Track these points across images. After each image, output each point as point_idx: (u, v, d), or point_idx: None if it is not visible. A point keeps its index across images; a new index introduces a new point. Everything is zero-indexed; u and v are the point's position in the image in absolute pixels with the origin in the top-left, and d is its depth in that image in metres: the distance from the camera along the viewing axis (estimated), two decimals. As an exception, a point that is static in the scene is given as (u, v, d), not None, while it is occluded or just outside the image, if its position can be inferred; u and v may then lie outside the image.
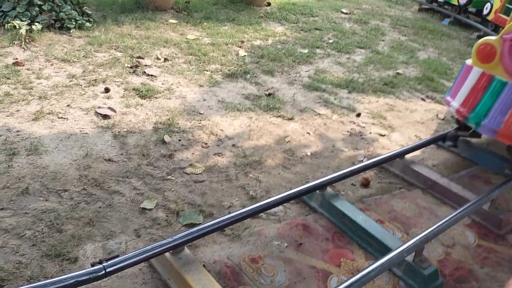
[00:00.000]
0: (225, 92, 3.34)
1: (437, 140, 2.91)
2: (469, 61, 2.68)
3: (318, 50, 4.58)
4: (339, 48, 4.72)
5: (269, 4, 6.04)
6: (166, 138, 2.59)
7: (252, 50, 4.29)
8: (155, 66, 3.56)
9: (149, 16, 4.65)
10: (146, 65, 3.51)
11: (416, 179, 2.59)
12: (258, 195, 2.27)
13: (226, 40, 4.41)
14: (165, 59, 3.71)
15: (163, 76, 3.41)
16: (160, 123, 2.74)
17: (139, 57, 3.62)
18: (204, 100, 3.16)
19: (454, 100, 2.71)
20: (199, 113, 2.96)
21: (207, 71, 3.65)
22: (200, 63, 3.77)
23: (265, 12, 5.63)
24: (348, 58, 4.53)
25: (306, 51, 4.49)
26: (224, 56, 4.02)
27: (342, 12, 6.32)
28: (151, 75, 3.37)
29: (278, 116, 3.13)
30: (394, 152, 2.59)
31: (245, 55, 4.13)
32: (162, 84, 3.28)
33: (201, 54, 3.94)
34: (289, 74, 3.90)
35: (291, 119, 3.13)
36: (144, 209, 2.02)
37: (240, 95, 3.35)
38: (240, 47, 4.33)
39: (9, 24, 3.63)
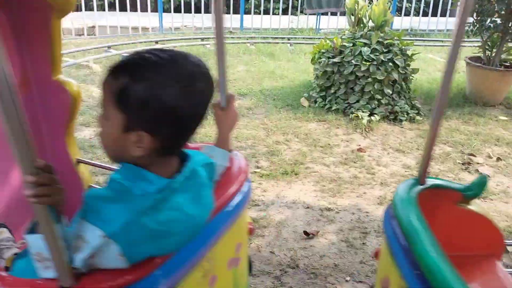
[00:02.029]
0: None
1: None
2: None
3: None
4: None
5: None
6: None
7: None
8: (487, 164, 3.49)
9: (477, 111, 4.64)
10: (478, 163, 3.50)
11: None
12: None
13: None
14: (498, 159, 3.59)
15: (497, 177, 3.31)
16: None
17: (470, 154, 3.64)
18: None
19: None
20: (544, 226, 2.71)
21: (548, 177, 3.32)
22: (539, 167, 3.47)
23: None
24: None
25: None
26: None
27: None
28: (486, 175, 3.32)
29: None
30: None
31: None
32: (497, 185, 3.18)
33: None
34: None
35: None
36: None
37: None
38: None
39: (353, 114, 4.34)
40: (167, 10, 9.83)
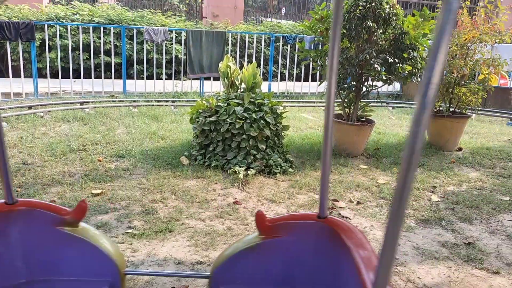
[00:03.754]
0: (419, 238, 3.33)
1: None
2: None
3: (522, 198, 4.24)
4: (549, 195, 4.28)
5: (460, 149, 5.99)
6: (364, 281, 2.68)
7: (445, 196, 4.24)
8: (348, 208, 3.83)
9: (341, 162, 5.13)
10: (340, 207, 3.81)
11: None
12: None
13: (417, 185, 4.49)
14: (358, 202, 3.96)
15: (356, 218, 3.63)
16: (356, 265, 2.87)
17: (334, 200, 3.96)
18: (399, 245, 3.20)
19: None
20: (395, 258, 3.00)
21: (399, 215, 3.73)
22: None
23: (456, 157, 5.58)
24: (563, 207, 4.04)
25: (507, 198, 4.21)
26: (415, 201, 4.07)
27: (548, 155, 5.80)
28: (346, 217, 3.63)
29: (481, 269, 2.93)
30: None
31: (438, 201, 4.10)
32: (356, 226, 3.47)
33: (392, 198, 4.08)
34: (490, 223, 3.67)
35: (496, 273, 2.89)
36: None
37: (436, 242, 3.29)
38: (432, 192, 4.33)
39: (231, 170, 4.50)
40: (44, 76, 9.44)
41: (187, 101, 8.58)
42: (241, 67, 5.36)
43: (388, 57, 5.00)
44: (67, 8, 11.24)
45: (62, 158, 4.77)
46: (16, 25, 7.79)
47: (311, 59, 5.83)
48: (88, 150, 5.08)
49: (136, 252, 2.87)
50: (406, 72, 5.22)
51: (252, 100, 4.94)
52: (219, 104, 4.93)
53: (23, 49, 8.34)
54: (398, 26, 5.11)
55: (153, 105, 7.96)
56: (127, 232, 3.13)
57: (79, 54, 9.09)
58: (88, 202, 3.58)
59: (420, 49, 5.23)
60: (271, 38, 10.14)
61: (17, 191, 3.79)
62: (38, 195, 3.71)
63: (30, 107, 7.02)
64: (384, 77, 5.16)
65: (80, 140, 5.46)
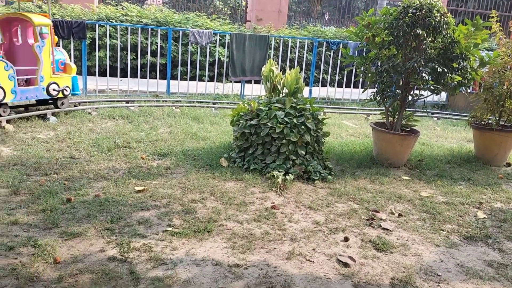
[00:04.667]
0: (464, 256, 3.20)
1: None
2: None
3: None
4: None
5: (509, 164, 5.72)
6: (404, 296, 2.60)
7: (492, 213, 4.05)
8: (389, 220, 3.73)
9: (383, 172, 5.01)
10: (381, 219, 3.72)
11: None
12: None
13: (462, 200, 4.32)
14: (399, 215, 3.85)
15: (397, 231, 3.53)
16: (396, 279, 2.79)
17: (375, 211, 3.87)
18: (441, 261, 3.09)
19: None
20: (437, 274, 2.90)
21: (442, 230, 3.60)
22: (434, 221, 3.77)
23: (504, 173, 5.34)
24: None
25: (561, 219, 3.97)
26: (460, 216, 3.92)
27: None
28: (386, 229, 3.54)
29: (531, 292, 2.78)
30: None
31: (484, 218, 3.93)
32: (397, 239, 3.38)
33: (436, 212, 3.95)
34: (541, 244, 3.48)
35: (548, 298, 2.73)
36: None
37: (482, 261, 3.15)
38: (478, 208, 4.16)
39: (269, 174, 4.49)
40: (92, 74, 9.81)
41: (228, 103, 8.66)
42: (283, 71, 5.35)
43: (436, 66, 4.85)
44: (117, 9, 11.64)
45: (107, 154, 4.93)
46: (69, 24, 8.15)
47: (355, 65, 5.74)
48: (132, 148, 5.22)
49: (175, 251, 2.91)
50: (455, 82, 5.04)
51: (293, 105, 4.92)
52: (260, 107, 4.94)
53: (74, 47, 8.69)
54: (449, 35, 4.95)
55: (194, 106, 8.09)
56: (167, 230, 3.19)
57: (127, 54, 9.38)
58: (131, 198, 3.69)
59: (471, 59, 5.04)
60: (314, 43, 10.08)
61: (64, 183, 3.94)
62: (84, 189, 3.84)
63: (78, 103, 7.30)
64: (431, 87, 5.00)
65: (124, 137, 5.63)
